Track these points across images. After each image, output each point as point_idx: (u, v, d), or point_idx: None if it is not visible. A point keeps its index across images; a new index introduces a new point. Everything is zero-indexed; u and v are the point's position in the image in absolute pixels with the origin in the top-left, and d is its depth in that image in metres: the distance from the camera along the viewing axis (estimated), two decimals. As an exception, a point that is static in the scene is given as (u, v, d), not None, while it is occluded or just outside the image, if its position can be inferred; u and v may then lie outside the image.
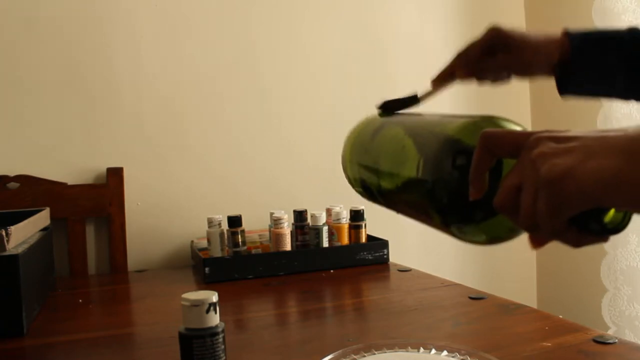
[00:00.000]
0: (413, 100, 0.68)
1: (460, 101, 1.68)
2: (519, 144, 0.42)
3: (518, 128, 0.48)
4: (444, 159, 0.48)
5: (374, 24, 1.64)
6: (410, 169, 0.52)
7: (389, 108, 0.68)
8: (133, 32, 1.41)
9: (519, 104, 1.80)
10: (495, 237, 0.49)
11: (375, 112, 0.71)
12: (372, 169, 0.61)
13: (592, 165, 0.36)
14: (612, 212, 0.39)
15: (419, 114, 0.63)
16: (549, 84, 0.76)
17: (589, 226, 0.40)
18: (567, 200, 0.38)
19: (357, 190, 0.68)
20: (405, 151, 0.55)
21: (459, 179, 0.47)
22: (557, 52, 0.71)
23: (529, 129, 0.45)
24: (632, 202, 0.36)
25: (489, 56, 0.72)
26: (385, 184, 0.59)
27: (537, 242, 0.44)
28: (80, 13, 1.36)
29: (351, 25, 1.61)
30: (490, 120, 0.50)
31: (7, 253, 0.87)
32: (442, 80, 0.74)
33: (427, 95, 0.70)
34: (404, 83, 1.61)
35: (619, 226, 0.40)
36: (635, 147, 0.36)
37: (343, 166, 0.71)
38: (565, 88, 0.74)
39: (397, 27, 1.66)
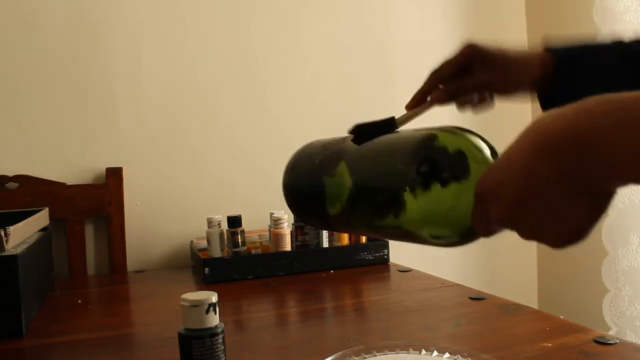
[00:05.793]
0: (389, 125, 0.60)
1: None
2: None
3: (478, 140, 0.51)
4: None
5: (374, 25, 1.64)
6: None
7: (362, 134, 0.59)
8: (133, 32, 1.40)
9: (519, 104, 1.80)
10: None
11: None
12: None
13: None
14: None
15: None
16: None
17: None
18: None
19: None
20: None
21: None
22: (539, 68, 0.66)
23: None
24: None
25: (466, 75, 0.65)
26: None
27: None
28: (80, 13, 1.36)
29: (351, 26, 1.61)
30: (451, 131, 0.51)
31: (6, 253, 0.87)
32: (417, 103, 0.67)
33: (404, 120, 0.63)
34: (404, 83, 1.61)
35: None
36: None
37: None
38: (550, 104, 0.68)
39: (397, 28, 1.66)
